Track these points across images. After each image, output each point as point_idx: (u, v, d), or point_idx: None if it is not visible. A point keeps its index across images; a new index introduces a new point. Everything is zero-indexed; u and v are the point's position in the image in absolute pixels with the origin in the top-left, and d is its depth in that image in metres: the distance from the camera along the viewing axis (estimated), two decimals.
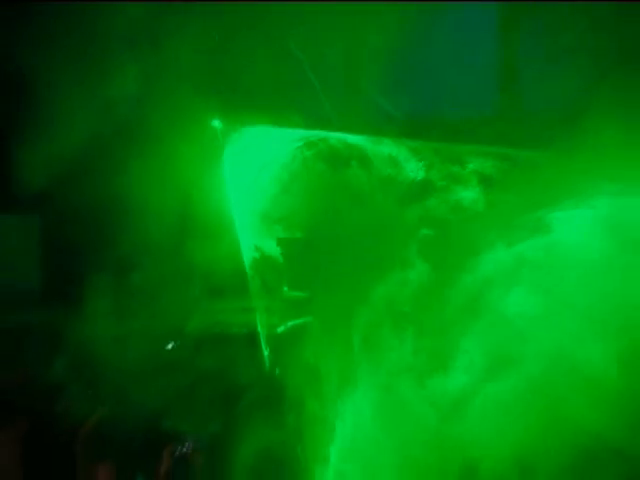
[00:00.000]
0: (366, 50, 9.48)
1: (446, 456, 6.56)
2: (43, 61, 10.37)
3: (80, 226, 10.50)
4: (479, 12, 9.01)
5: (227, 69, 9.81)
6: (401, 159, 9.19)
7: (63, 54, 10.16)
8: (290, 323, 9.17)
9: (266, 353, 8.81)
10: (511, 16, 9.31)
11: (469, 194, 8.39)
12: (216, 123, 9.93)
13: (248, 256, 9.39)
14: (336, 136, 9.43)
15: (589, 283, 6.24)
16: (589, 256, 6.36)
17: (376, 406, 7.13)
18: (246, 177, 9.65)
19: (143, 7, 10.00)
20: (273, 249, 9.33)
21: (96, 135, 10.56)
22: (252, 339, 8.89)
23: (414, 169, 9.05)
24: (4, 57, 11.27)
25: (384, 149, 9.25)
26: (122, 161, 10.01)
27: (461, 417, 6.60)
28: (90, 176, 10.50)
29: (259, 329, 9.09)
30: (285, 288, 9.77)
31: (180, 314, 9.36)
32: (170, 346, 8.62)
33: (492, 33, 9.18)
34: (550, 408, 6.19)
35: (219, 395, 7.86)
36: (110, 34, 10.24)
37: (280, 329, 9.14)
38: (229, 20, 9.52)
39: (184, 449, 6.86)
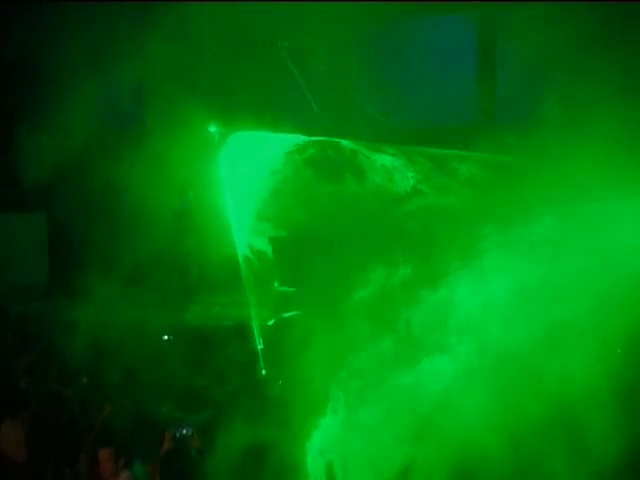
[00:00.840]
0: (354, 58, 9.78)
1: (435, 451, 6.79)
2: (49, 68, 10.72)
3: (83, 223, 10.85)
4: (460, 27, 9.35)
5: (222, 75, 10.12)
6: (388, 164, 9.52)
7: (69, 63, 10.49)
8: (280, 316, 9.56)
9: (258, 345, 9.16)
10: (490, 34, 9.62)
11: (450, 199, 8.69)
12: (212, 127, 10.29)
13: (241, 253, 9.74)
14: (326, 141, 9.78)
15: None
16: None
17: (363, 400, 7.29)
18: (240, 179, 9.98)
19: (142, 13, 10.36)
20: (265, 247, 9.68)
21: (99, 137, 10.97)
22: (244, 331, 9.22)
23: (399, 174, 9.39)
24: (14, 60, 11.61)
25: (372, 154, 9.58)
26: (123, 161, 10.39)
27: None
28: (93, 176, 10.91)
29: (251, 322, 9.44)
30: (275, 283, 10.19)
31: (176, 307, 9.73)
32: (166, 337, 8.88)
33: (471, 47, 9.51)
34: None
35: (213, 384, 8.10)
36: (111, 40, 10.58)
37: (270, 322, 9.53)
38: (223, 28, 9.77)
39: (183, 432, 6.94)
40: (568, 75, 7.99)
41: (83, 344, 8.54)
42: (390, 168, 9.52)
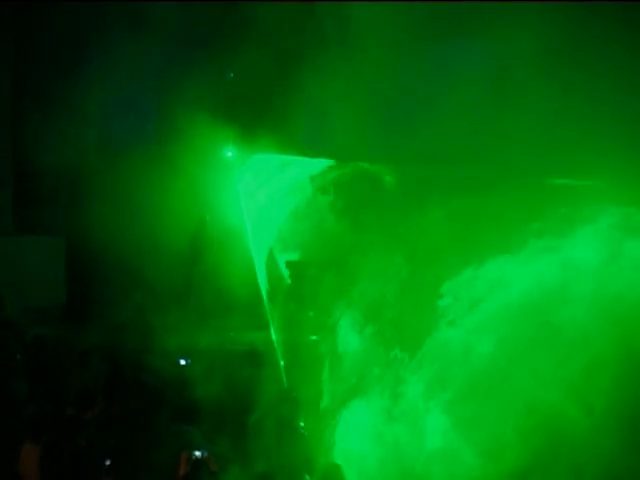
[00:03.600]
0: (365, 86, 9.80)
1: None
2: (65, 88, 10.84)
3: (101, 246, 10.90)
4: None
5: (240, 100, 10.21)
6: (401, 185, 9.49)
7: (86, 83, 10.61)
8: (301, 340, 9.51)
9: (279, 369, 9.12)
10: None
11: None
12: (230, 150, 10.37)
13: (260, 276, 9.75)
14: (346, 165, 9.80)
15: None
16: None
17: (385, 416, 7.21)
18: (258, 202, 10.02)
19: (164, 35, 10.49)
20: (283, 270, 9.68)
21: (118, 160, 11.07)
22: (262, 356, 9.20)
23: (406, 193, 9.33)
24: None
25: (391, 176, 9.57)
26: (141, 184, 10.46)
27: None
28: (111, 199, 10.99)
29: (271, 346, 9.43)
30: (295, 307, 10.16)
31: (193, 331, 9.73)
32: (183, 362, 8.84)
33: None
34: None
35: (231, 408, 8.06)
36: (132, 62, 10.71)
37: (291, 346, 9.49)
38: (241, 56, 9.88)
39: (200, 455, 6.86)
40: None
41: (101, 367, 8.55)
42: (403, 190, 9.50)
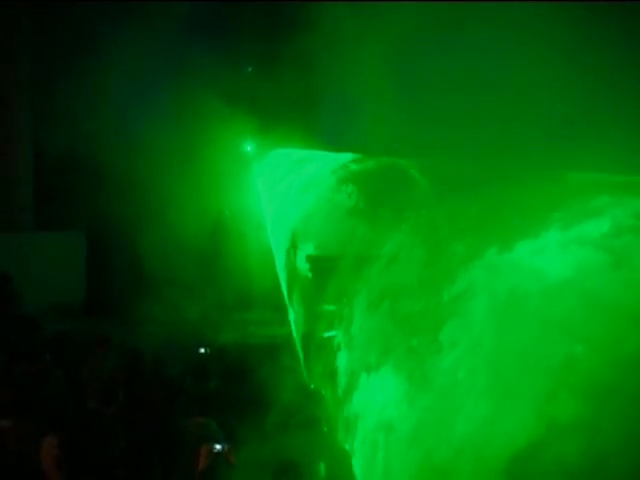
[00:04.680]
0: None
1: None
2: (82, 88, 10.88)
3: (121, 242, 10.94)
4: None
5: (259, 95, 10.19)
6: (418, 179, 9.40)
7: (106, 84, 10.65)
8: (320, 335, 9.44)
9: (300, 363, 9.06)
10: None
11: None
12: (250, 145, 10.34)
13: (280, 271, 9.70)
14: (366, 159, 9.74)
15: None
16: None
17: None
18: (278, 196, 9.97)
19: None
20: (303, 264, 9.62)
21: (137, 155, 11.09)
22: (281, 350, 9.16)
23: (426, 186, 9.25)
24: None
25: (414, 170, 9.48)
26: (161, 179, 10.48)
27: None
28: (130, 195, 11.01)
29: (291, 340, 9.38)
30: (315, 301, 10.10)
31: (213, 325, 9.71)
32: (202, 350, 8.82)
33: None
34: None
35: (250, 400, 8.01)
36: (152, 60, 10.73)
37: (311, 340, 9.43)
38: (260, 49, 9.87)
39: (220, 448, 6.81)
40: None
41: (120, 361, 8.54)
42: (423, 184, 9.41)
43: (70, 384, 8.39)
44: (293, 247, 9.76)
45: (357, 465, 6.68)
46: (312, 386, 8.44)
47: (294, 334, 9.61)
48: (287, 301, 9.77)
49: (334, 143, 9.97)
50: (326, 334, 9.48)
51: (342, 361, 8.17)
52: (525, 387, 5.86)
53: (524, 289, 6.56)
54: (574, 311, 5.96)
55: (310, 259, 9.55)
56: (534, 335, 6.05)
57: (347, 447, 7.01)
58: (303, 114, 10.01)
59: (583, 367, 5.70)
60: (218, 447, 6.74)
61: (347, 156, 9.84)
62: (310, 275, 9.54)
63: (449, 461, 6.08)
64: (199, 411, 7.06)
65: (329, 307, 9.99)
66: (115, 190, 11.07)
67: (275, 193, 9.88)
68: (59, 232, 12.77)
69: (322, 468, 6.76)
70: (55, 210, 12.32)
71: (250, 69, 10.19)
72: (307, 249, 9.58)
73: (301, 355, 9.27)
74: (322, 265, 9.52)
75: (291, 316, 9.70)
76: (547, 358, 5.84)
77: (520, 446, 5.37)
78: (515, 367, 6.06)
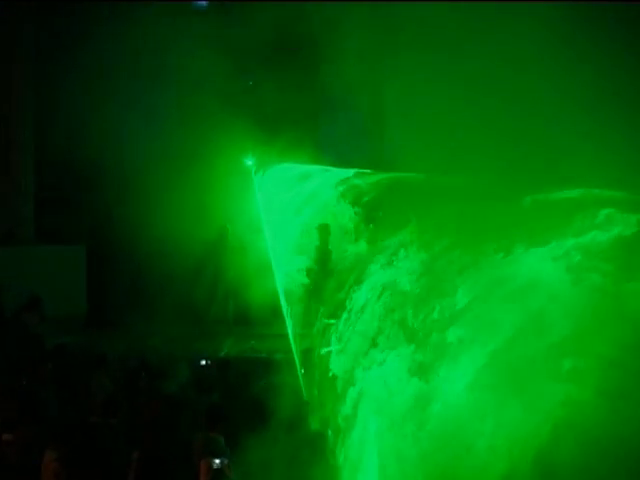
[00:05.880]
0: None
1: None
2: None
3: (121, 256, 10.94)
4: None
5: (261, 109, 10.22)
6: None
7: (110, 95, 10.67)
8: (321, 349, 9.46)
9: (299, 377, 9.06)
10: None
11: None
12: (250, 159, 10.37)
13: (280, 285, 9.73)
14: (365, 174, 9.78)
15: None
16: None
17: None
18: (278, 210, 10.01)
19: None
20: (303, 278, 9.66)
21: (139, 169, 11.11)
22: (279, 365, 9.16)
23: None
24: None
25: (412, 186, 9.51)
26: (161, 193, 10.50)
27: None
28: (131, 209, 11.02)
29: (290, 354, 9.38)
30: (315, 316, 10.13)
31: (214, 338, 9.70)
32: (204, 362, 8.81)
33: None
34: None
35: (250, 414, 8.01)
36: (155, 71, 10.75)
37: (311, 354, 9.45)
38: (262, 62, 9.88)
39: (219, 463, 6.81)
40: None
41: (122, 375, 8.55)
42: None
43: (71, 398, 8.40)
44: (293, 262, 9.80)
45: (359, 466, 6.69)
46: (309, 400, 8.47)
47: (293, 348, 9.63)
48: (287, 315, 9.80)
49: (337, 158, 10.03)
50: (324, 349, 9.52)
51: (340, 369, 8.19)
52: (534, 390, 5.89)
53: (527, 297, 6.63)
54: (578, 319, 6.02)
55: (310, 273, 9.61)
56: (540, 346, 6.11)
57: (347, 448, 7.04)
58: (306, 129, 10.07)
59: (592, 376, 5.74)
60: (217, 462, 6.74)
61: (347, 172, 9.90)
62: (310, 289, 9.61)
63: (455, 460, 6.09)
64: (209, 426, 7.02)
65: (329, 321, 10.03)
66: (116, 203, 11.10)
67: (276, 208, 9.93)
68: (59, 245, 12.78)
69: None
70: (55, 223, 12.33)
71: (251, 83, 10.25)
72: (307, 264, 9.64)
73: (300, 369, 9.29)
74: (322, 280, 9.58)
75: (290, 330, 9.73)
76: (554, 370, 5.89)
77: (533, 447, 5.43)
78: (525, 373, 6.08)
